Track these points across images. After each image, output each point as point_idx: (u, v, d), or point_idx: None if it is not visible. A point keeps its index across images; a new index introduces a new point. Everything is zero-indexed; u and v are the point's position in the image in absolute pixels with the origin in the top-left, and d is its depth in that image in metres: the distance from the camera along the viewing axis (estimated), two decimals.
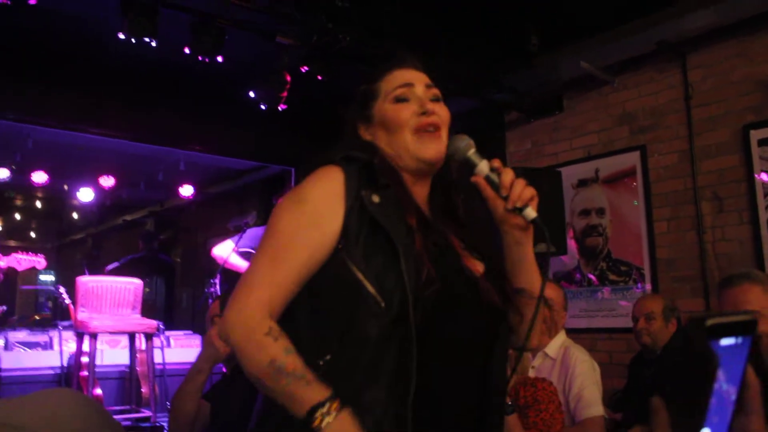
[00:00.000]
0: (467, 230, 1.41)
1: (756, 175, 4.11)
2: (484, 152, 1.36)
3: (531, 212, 1.28)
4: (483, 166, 1.33)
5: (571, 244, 5.01)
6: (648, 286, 4.57)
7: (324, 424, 1.09)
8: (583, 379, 2.68)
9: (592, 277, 4.94)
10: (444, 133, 1.39)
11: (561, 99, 5.23)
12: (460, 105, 5.42)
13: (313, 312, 1.23)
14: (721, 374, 0.57)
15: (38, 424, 0.94)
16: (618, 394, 3.50)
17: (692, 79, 4.45)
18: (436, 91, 1.43)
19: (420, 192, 1.41)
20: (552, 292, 2.92)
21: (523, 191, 1.28)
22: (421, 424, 1.17)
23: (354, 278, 1.20)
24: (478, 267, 1.35)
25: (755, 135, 4.12)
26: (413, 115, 1.38)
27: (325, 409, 1.10)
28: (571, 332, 3.83)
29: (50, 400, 1.03)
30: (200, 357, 2.27)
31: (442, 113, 1.40)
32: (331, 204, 1.24)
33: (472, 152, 1.35)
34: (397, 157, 1.39)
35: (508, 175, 1.30)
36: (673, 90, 4.56)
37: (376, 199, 1.26)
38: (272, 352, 1.13)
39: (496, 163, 1.33)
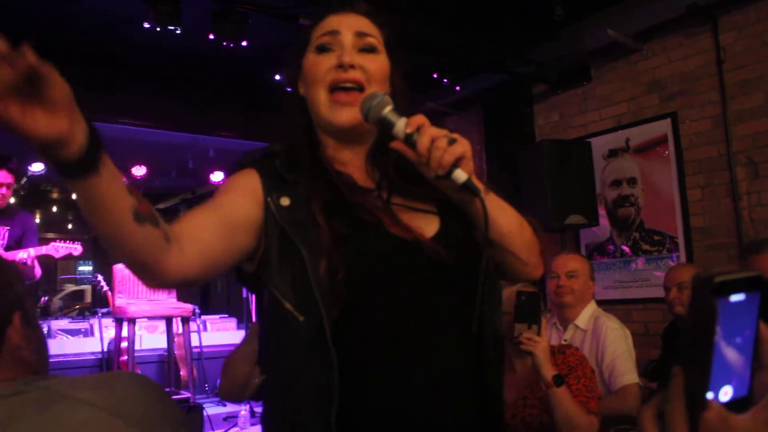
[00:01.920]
0: (424, 186, 1.14)
1: None
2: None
3: (460, 176, 1.03)
4: (400, 126, 1.07)
5: (603, 215, 4.95)
6: (683, 256, 4.50)
7: None
8: (615, 348, 2.66)
9: (625, 248, 4.88)
10: (369, 91, 1.15)
11: (589, 69, 5.15)
12: (487, 80, 5.37)
13: (266, 333, 1.18)
14: (735, 330, 0.58)
15: (104, 401, 0.97)
16: (653, 363, 3.48)
17: (724, 42, 4.33)
18: (371, 40, 1.19)
19: (353, 156, 1.22)
20: (576, 263, 2.89)
21: (443, 156, 1.02)
22: (398, 414, 1.06)
23: (273, 297, 1.09)
24: (426, 226, 1.15)
25: None
26: (330, 68, 1.16)
27: None
28: (606, 303, 3.80)
29: (116, 381, 1.05)
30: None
31: (370, 67, 1.17)
32: (250, 190, 1.13)
33: (387, 110, 1.09)
34: (317, 117, 1.21)
35: (424, 137, 1.04)
36: (704, 54, 4.45)
37: (285, 201, 1.11)
38: None
39: (415, 121, 1.06)
